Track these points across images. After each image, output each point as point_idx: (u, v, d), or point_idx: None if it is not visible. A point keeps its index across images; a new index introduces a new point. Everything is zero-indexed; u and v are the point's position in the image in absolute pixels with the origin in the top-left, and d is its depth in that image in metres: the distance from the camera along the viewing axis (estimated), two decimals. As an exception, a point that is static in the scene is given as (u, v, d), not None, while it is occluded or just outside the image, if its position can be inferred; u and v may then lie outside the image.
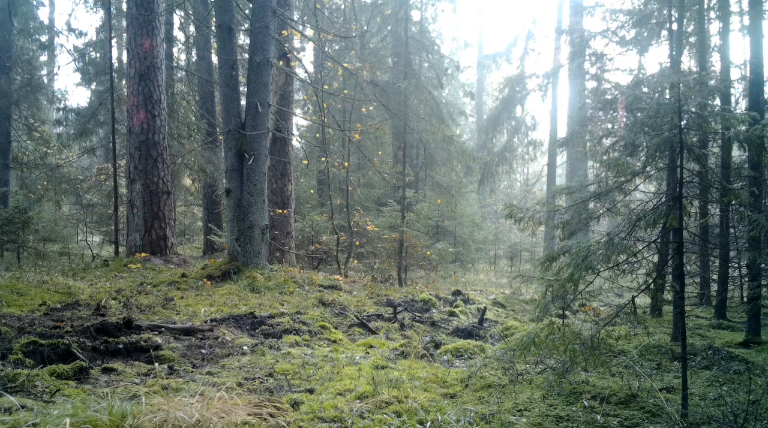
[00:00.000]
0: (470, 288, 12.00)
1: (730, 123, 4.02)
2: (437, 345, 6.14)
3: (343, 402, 3.91)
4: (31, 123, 18.35)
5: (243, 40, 16.62)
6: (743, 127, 4.06)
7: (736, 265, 8.55)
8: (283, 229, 13.28)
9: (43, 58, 22.06)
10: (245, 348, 5.52)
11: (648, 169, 4.23)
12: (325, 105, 12.77)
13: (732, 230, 8.10)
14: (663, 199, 4.15)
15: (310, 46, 22.62)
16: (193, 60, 18.02)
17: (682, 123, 3.80)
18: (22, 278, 8.55)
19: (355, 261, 14.13)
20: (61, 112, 19.18)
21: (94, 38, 19.32)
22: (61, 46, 19.91)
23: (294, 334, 6.19)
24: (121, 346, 4.97)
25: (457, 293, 9.99)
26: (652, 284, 4.45)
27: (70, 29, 18.99)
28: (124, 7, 15.83)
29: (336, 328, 6.77)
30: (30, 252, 12.64)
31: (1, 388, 3.67)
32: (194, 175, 15.46)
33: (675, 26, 8.74)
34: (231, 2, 10.22)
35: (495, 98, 25.01)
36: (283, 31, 12.55)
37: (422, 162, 17.36)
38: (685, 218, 3.97)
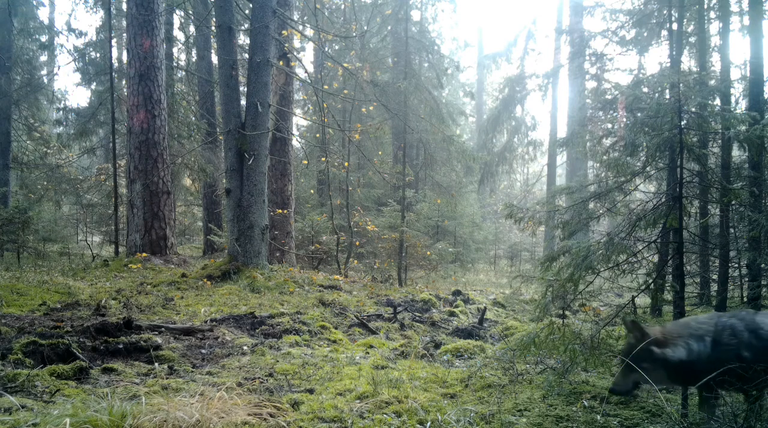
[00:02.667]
0: (470, 288, 12.00)
1: (730, 123, 4.02)
2: (437, 345, 6.13)
3: (343, 402, 3.91)
4: (31, 123, 18.35)
5: (243, 40, 16.62)
6: (743, 127, 4.06)
7: (736, 265, 8.54)
8: (283, 229, 13.28)
9: (43, 58, 22.06)
10: (245, 348, 5.52)
11: (648, 169, 4.23)
12: (325, 105, 12.77)
13: (732, 230, 8.08)
14: (663, 199, 4.15)
15: (310, 46, 22.64)
16: (193, 60, 18.02)
17: (682, 123, 3.81)
18: (22, 278, 8.55)
19: (355, 261, 14.13)
20: (61, 112, 19.19)
21: (94, 38, 19.33)
22: (61, 46, 19.91)
23: (294, 334, 6.19)
24: (121, 346, 4.97)
25: (457, 293, 9.99)
26: (652, 284, 4.45)
27: (70, 29, 18.99)
28: (124, 7, 15.84)
29: (336, 328, 6.77)
30: (30, 252, 12.65)
31: (1, 388, 3.67)
32: (194, 175, 15.46)
33: (675, 26, 8.74)
34: (231, 2, 10.22)
35: (495, 98, 25.03)
36: (283, 31, 12.55)
37: (422, 162, 17.37)
38: (685, 218, 3.97)
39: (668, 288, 5.73)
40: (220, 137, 13.37)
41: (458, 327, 7.29)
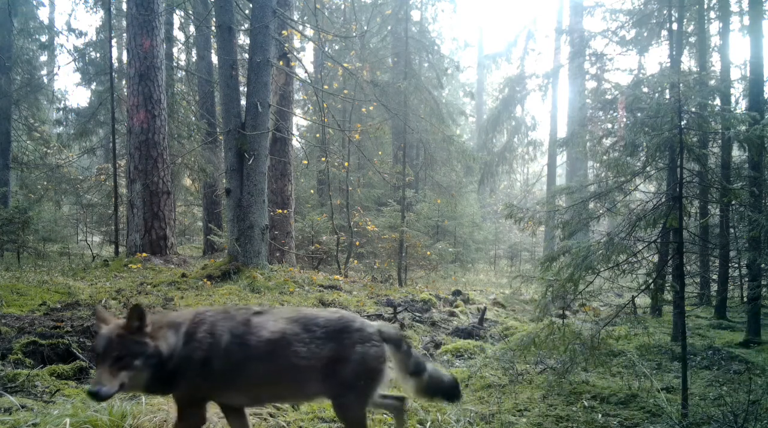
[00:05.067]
0: (470, 288, 12.00)
1: (730, 123, 4.02)
2: (437, 345, 6.13)
3: (343, 402, 3.90)
4: (31, 123, 18.36)
5: (243, 40, 16.62)
6: (743, 127, 4.06)
7: (736, 265, 8.55)
8: (283, 229, 13.27)
9: (43, 58, 22.08)
10: (245, 348, 5.51)
11: (648, 169, 4.23)
12: (325, 105, 12.76)
13: (732, 230, 8.10)
14: (663, 199, 4.15)
15: (310, 46, 22.64)
16: (193, 60, 18.02)
17: (682, 123, 3.81)
18: (22, 278, 8.54)
19: (355, 261, 14.13)
20: (61, 112, 19.21)
21: (94, 38, 19.34)
22: (61, 46, 19.92)
23: (294, 334, 6.18)
24: (121, 346, 4.96)
25: (457, 293, 9.99)
26: (652, 284, 4.45)
27: (70, 29, 19.00)
28: (124, 7, 15.83)
29: (336, 328, 6.76)
30: (30, 252, 12.64)
31: (1, 388, 3.67)
32: (194, 175, 15.46)
33: (675, 26, 8.74)
34: (231, 2, 10.21)
35: (495, 98, 25.03)
36: (283, 31, 12.55)
37: (422, 162, 17.37)
38: (685, 218, 3.97)
39: (668, 288, 5.73)
40: (220, 137, 13.37)
41: (458, 327, 7.29)
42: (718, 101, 7.38)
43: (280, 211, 13.12)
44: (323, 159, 14.06)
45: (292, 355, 2.50)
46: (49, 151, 18.64)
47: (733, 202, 5.56)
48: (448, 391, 2.93)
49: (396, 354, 2.71)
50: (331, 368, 2.55)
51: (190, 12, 16.78)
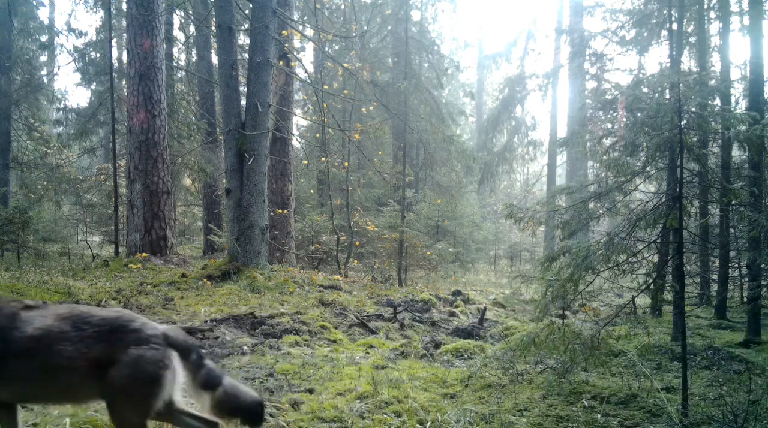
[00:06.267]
0: (470, 288, 12.00)
1: (730, 123, 4.03)
2: (437, 345, 6.13)
3: (343, 402, 3.91)
4: (31, 123, 18.35)
5: (243, 40, 16.62)
6: (743, 127, 4.06)
7: (736, 265, 8.55)
8: (283, 229, 13.27)
9: (43, 58, 22.06)
10: (245, 348, 5.52)
11: (648, 169, 4.23)
12: (325, 105, 12.76)
13: (732, 230, 8.10)
14: (663, 199, 4.15)
15: (310, 46, 22.63)
16: (193, 60, 18.02)
17: (682, 123, 3.81)
18: (22, 278, 8.54)
19: (355, 261, 14.12)
20: (61, 112, 19.22)
21: (94, 38, 19.34)
22: (61, 46, 19.90)
23: (294, 334, 6.19)
24: (121, 346, 4.96)
25: (457, 293, 9.99)
26: (652, 284, 4.45)
27: (70, 29, 19.00)
28: (124, 7, 15.83)
29: (336, 328, 6.77)
30: (30, 252, 12.64)
31: None
32: (194, 175, 15.45)
33: (675, 26, 8.74)
34: (231, 2, 10.21)
35: (495, 98, 25.03)
36: (283, 31, 12.54)
37: (422, 162, 17.37)
38: (685, 218, 3.97)
39: (668, 288, 5.74)
40: (220, 137, 13.37)
41: (458, 327, 7.29)
42: (718, 101, 7.38)
43: (280, 211, 13.11)
44: (323, 159, 14.06)
45: (55, 355, 2.36)
46: (49, 151, 18.63)
47: (733, 202, 5.57)
48: (248, 413, 2.63)
49: (184, 363, 2.49)
50: (101, 370, 2.37)
51: (190, 12, 16.78)
